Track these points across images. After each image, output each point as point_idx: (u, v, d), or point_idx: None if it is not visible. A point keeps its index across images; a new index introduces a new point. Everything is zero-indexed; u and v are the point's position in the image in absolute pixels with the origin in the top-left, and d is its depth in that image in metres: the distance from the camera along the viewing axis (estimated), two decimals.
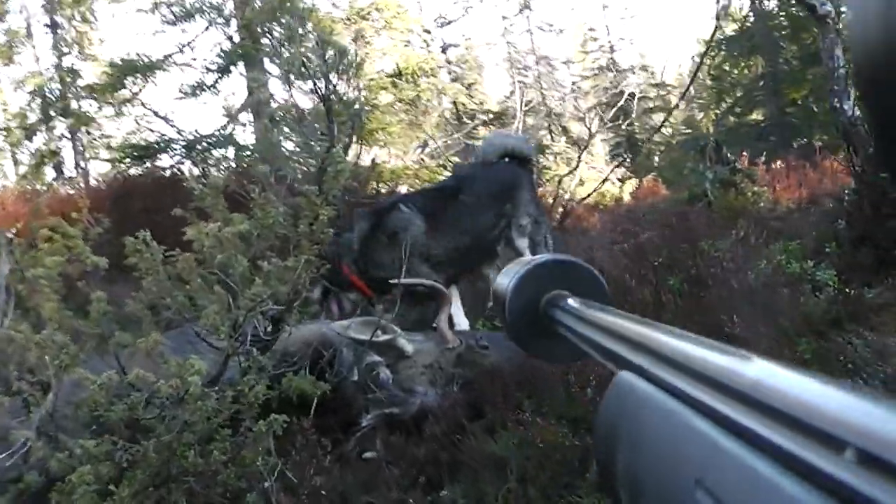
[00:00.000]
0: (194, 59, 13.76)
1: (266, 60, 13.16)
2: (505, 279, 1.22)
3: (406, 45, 14.76)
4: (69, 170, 15.32)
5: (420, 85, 14.36)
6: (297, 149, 10.61)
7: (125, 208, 9.51)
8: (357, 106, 10.52)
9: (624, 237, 8.73)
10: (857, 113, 7.50)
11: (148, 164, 13.38)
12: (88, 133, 15.23)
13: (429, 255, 6.33)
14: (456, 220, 6.63)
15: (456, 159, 14.83)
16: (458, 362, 4.91)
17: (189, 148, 13.31)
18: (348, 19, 14.30)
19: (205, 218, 3.97)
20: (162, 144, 13.34)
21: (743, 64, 23.02)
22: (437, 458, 4.39)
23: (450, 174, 10.48)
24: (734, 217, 8.18)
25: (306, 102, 13.15)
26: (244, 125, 14.09)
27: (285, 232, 4.00)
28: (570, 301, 1.09)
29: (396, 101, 13.04)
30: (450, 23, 22.26)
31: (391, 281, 5.38)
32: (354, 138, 9.87)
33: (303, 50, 7.47)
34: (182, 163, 13.28)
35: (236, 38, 13.38)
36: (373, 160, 12.92)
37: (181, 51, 13.69)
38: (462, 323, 6.43)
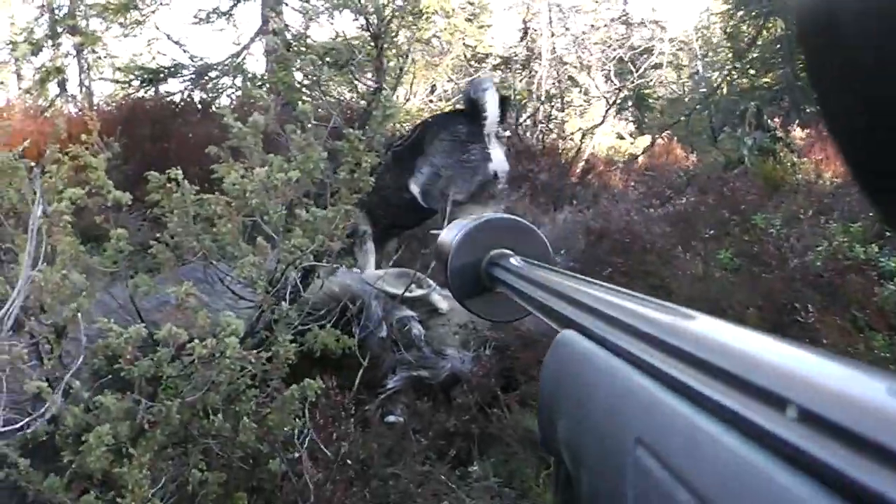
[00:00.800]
0: None
1: None
2: (448, 235, 1.24)
3: None
4: (73, 88, 15.12)
5: (438, 25, 14.12)
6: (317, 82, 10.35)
7: (132, 133, 9.17)
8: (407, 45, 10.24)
9: (660, 200, 8.46)
10: None
11: (155, 89, 13.14)
12: (94, 52, 14.99)
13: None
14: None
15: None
16: (493, 324, 4.64)
17: (199, 75, 13.07)
18: None
19: (236, 156, 3.69)
20: (171, 69, 13.10)
21: (761, 24, 22.72)
22: (467, 430, 4.16)
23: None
24: (775, 187, 7.90)
25: (322, 36, 12.88)
26: (254, 55, 13.89)
27: (322, 178, 3.70)
28: (513, 260, 1.12)
29: (414, 41, 12.74)
30: None
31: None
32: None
33: None
34: (192, 89, 13.04)
35: None
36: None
37: None
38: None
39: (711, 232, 5.88)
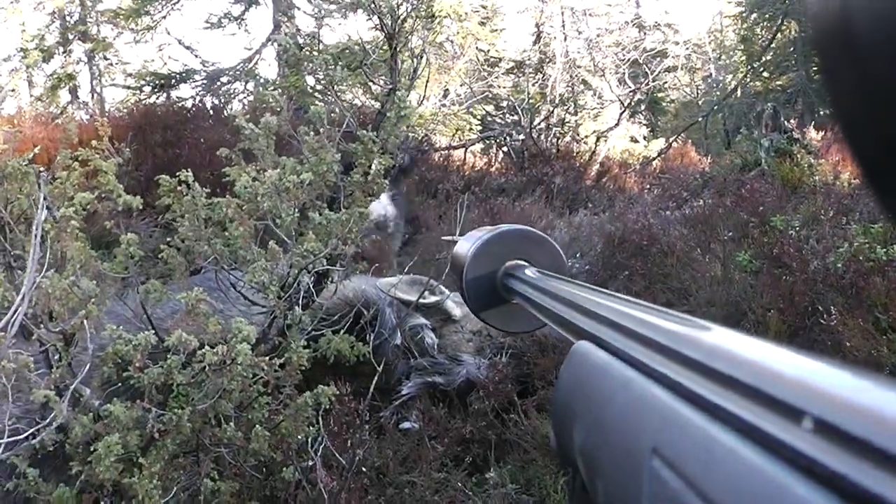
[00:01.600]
0: None
1: None
2: (465, 246, 1.24)
3: None
4: (84, 95, 15.13)
5: (451, 29, 14.13)
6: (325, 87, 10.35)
7: (143, 139, 9.17)
8: (421, 46, 10.24)
9: (676, 203, 8.41)
10: None
11: (167, 95, 13.17)
12: (105, 59, 15.01)
13: None
14: None
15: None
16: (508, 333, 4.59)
17: (211, 80, 13.08)
18: None
19: (248, 160, 3.64)
20: (183, 74, 13.11)
21: (775, 27, 22.67)
22: (484, 437, 4.11)
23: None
24: (793, 189, 7.83)
25: (331, 38, 12.87)
26: (265, 60, 13.88)
27: (336, 181, 3.65)
28: (528, 271, 1.12)
29: (427, 45, 12.72)
30: None
31: None
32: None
33: None
34: (203, 94, 13.05)
35: None
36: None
37: None
38: None
39: (730, 234, 5.82)
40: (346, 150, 3.79)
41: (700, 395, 0.43)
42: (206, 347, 2.82)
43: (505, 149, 13.33)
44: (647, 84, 14.53)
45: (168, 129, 10.01)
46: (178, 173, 3.44)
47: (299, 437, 3.24)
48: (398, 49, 5.58)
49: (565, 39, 16.03)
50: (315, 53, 11.54)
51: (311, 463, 3.41)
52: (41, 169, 3.35)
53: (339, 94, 7.22)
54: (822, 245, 5.42)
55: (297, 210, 3.43)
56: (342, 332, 3.69)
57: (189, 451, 3.09)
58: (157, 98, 13.16)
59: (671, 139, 15.99)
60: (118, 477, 2.71)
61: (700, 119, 16.77)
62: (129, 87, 14.02)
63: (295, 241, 3.41)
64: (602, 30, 17.70)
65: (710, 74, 25.20)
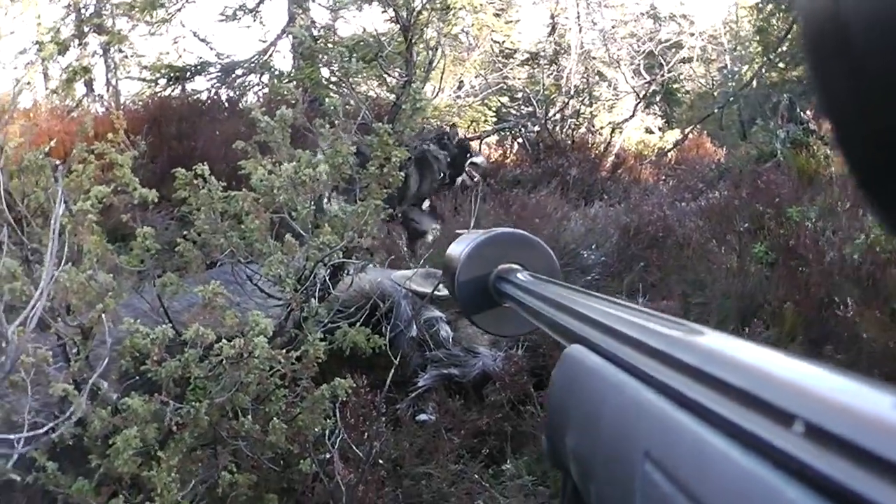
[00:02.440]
0: None
1: None
2: (457, 249, 1.24)
3: None
4: (100, 87, 15.16)
5: (466, 20, 14.10)
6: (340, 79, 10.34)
7: (159, 132, 9.18)
8: (437, 38, 10.24)
9: (692, 194, 8.39)
10: None
11: (182, 87, 13.17)
12: (121, 51, 15.02)
13: None
14: None
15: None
16: None
17: (226, 72, 13.08)
18: None
19: (263, 152, 3.64)
20: (198, 67, 13.12)
21: (791, 18, 22.54)
22: (500, 429, 4.11)
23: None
24: (809, 180, 7.80)
25: (347, 30, 12.87)
26: (280, 52, 13.88)
27: (351, 173, 3.65)
28: (521, 274, 1.13)
29: (442, 37, 12.70)
30: None
31: None
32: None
33: None
34: (219, 87, 13.05)
35: None
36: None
37: None
38: None
39: (746, 225, 5.80)
40: (361, 143, 3.80)
41: (692, 399, 0.44)
42: (224, 341, 2.82)
43: (520, 140, 13.31)
44: (663, 75, 14.49)
45: (183, 121, 10.01)
46: (193, 166, 3.45)
47: (316, 429, 3.24)
48: (413, 41, 5.58)
49: (580, 31, 15.97)
50: (330, 45, 11.53)
51: (328, 455, 3.42)
52: (57, 162, 3.35)
53: (353, 86, 7.25)
54: (838, 236, 5.40)
55: (312, 203, 3.43)
56: (358, 324, 3.70)
57: (206, 444, 3.10)
58: (173, 91, 13.14)
59: (686, 130, 15.92)
60: (136, 470, 2.72)
61: (715, 110, 16.68)
62: (144, 80, 14.00)
63: (311, 233, 3.42)
64: (617, 21, 17.65)
65: (726, 65, 25.02)
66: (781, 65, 22.46)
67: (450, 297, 4.54)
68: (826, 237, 5.37)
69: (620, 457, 0.52)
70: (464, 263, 1.18)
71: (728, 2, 24.08)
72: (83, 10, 14.29)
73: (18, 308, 2.73)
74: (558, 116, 13.25)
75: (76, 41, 14.15)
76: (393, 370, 4.00)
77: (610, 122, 13.53)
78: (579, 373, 0.66)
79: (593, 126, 13.69)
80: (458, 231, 1.35)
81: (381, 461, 3.60)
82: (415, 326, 4.43)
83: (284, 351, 3.02)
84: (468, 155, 9.65)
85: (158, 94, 12.94)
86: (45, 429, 2.72)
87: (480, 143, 12.99)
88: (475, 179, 9.58)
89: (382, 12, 10.04)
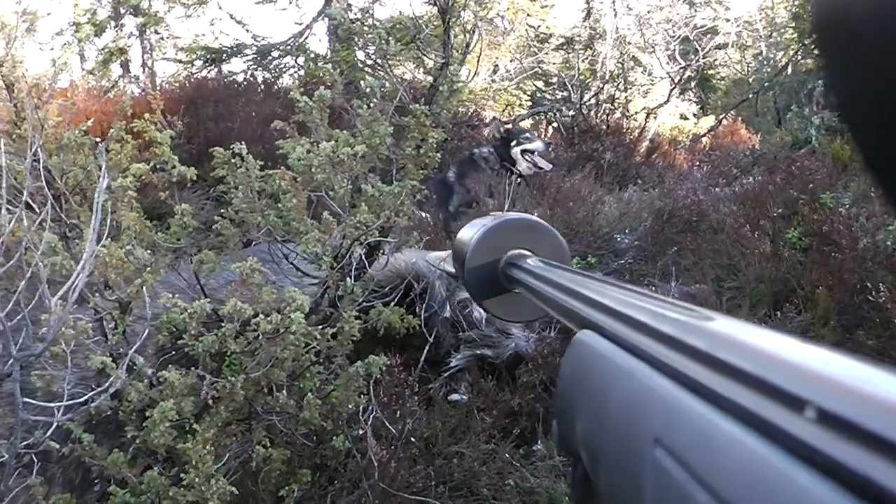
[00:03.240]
0: None
1: None
2: (467, 234, 1.24)
3: None
4: (136, 69, 15.23)
5: (501, 4, 14.09)
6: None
7: (195, 113, 9.23)
8: (473, 21, 10.22)
9: (726, 180, 8.36)
10: None
11: (218, 69, 13.22)
12: (157, 33, 15.08)
13: None
14: None
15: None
16: None
17: (262, 54, 13.12)
18: None
19: (301, 132, 3.66)
20: (234, 49, 13.16)
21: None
22: (531, 409, 4.12)
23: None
24: (843, 166, 7.75)
25: (383, 13, 12.86)
26: (316, 35, 13.90)
27: (388, 154, 3.66)
28: (531, 260, 1.13)
29: (478, 20, 12.68)
30: None
31: None
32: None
33: None
34: (254, 69, 13.09)
35: None
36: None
37: None
38: None
39: (779, 211, 5.77)
40: (398, 124, 3.81)
41: (703, 385, 0.44)
42: (261, 316, 2.85)
43: (555, 124, 13.28)
44: (698, 61, 14.41)
45: (219, 102, 10.06)
46: (231, 146, 3.48)
47: (350, 406, 3.25)
48: (451, 24, 5.58)
49: (615, 16, 15.85)
50: (367, 28, 11.54)
51: (361, 432, 3.44)
52: (97, 140, 3.39)
53: (391, 68, 7.26)
54: (871, 223, 5.37)
55: (349, 182, 3.45)
56: (392, 304, 3.71)
57: (242, 419, 3.13)
58: (209, 72, 13.21)
59: (721, 116, 15.83)
60: (172, 443, 2.75)
61: (750, 96, 16.54)
62: (180, 62, 14.06)
63: (348, 212, 3.43)
64: (652, 6, 17.52)
65: (761, 52, 24.82)
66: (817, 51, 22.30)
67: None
68: (860, 223, 5.35)
69: (630, 442, 0.52)
70: (473, 249, 1.19)
71: None
72: None
73: (57, 282, 2.76)
74: (593, 101, 13.20)
75: (112, 23, 14.21)
76: (426, 350, 4.02)
77: (644, 108, 13.46)
78: (589, 358, 0.67)
79: (628, 111, 13.63)
80: (491, 213, 1.35)
81: (413, 439, 3.62)
82: (448, 307, 4.43)
83: (320, 328, 3.04)
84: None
85: (194, 76, 12.99)
86: (84, 398, 2.76)
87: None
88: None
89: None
